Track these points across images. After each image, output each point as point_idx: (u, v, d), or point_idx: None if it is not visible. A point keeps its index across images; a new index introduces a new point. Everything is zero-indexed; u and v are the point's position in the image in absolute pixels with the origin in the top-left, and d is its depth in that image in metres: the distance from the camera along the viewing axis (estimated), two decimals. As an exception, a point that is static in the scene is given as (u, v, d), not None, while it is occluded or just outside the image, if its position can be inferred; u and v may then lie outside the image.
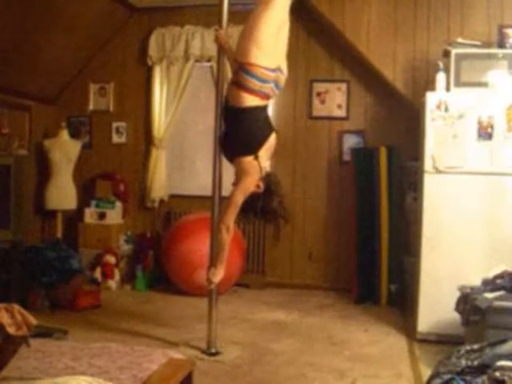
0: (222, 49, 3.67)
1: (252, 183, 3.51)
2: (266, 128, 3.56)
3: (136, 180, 6.03)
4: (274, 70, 3.41)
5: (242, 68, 3.38)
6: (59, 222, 5.87)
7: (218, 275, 3.64)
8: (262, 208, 3.69)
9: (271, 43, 3.38)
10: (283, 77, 3.53)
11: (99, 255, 5.50)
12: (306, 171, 5.71)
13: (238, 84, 3.41)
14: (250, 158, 3.46)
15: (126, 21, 6.02)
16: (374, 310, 4.90)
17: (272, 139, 3.56)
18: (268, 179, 3.64)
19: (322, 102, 5.66)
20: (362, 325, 4.41)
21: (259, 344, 3.90)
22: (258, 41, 3.33)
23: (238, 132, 3.51)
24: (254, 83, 3.37)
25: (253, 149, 3.47)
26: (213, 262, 3.68)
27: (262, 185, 3.58)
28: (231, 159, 3.61)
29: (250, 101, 3.41)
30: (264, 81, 3.39)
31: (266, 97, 3.49)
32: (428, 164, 3.99)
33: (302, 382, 3.25)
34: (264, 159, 3.52)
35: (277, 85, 3.51)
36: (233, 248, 4.38)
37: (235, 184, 3.56)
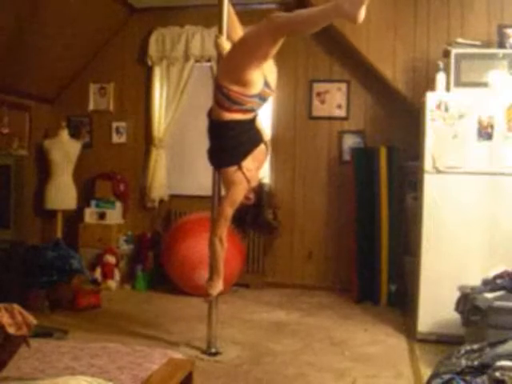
0: (221, 56, 3.64)
1: (239, 194, 3.42)
2: (251, 139, 3.44)
3: (136, 180, 6.03)
4: (256, 95, 3.26)
5: (220, 89, 3.26)
6: (59, 222, 5.87)
7: (216, 288, 3.65)
8: (252, 220, 3.64)
9: (258, 75, 3.20)
10: (270, 91, 3.36)
11: (99, 255, 5.51)
12: (306, 171, 5.71)
13: (217, 102, 3.32)
14: (233, 168, 3.38)
15: (125, 21, 6.02)
16: (373, 310, 4.90)
17: (260, 150, 3.47)
18: (260, 190, 3.57)
19: (322, 102, 5.66)
20: (361, 325, 4.41)
21: (259, 344, 3.90)
22: (241, 80, 3.17)
23: (220, 144, 3.43)
24: (231, 106, 3.26)
25: (236, 159, 3.38)
26: (210, 274, 3.68)
27: (252, 196, 3.52)
28: (217, 170, 3.59)
29: (231, 117, 3.31)
30: (243, 104, 3.27)
31: (249, 111, 3.36)
32: (428, 164, 3.99)
33: (302, 381, 3.25)
34: (252, 170, 3.43)
35: (262, 98, 3.34)
36: (232, 248, 4.38)
37: (224, 196, 3.52)
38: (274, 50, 3.11)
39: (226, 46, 3.57)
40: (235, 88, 3.20)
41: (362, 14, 2.65)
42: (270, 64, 3.36)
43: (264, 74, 3.24)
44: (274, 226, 3.75)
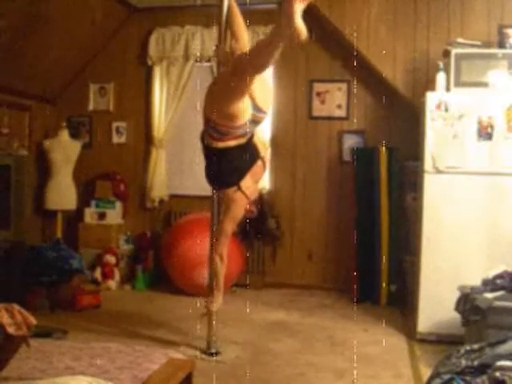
0: (221, 65, 3.63)
1: (239, 211, 3.43)
2: (248, 160, 3.41)
3: (136, 180, 6.03)
4: (244, 124, 3.20)
5: (207, 122, 3.27)
6: (59, 222, 5.87)
7: (216, 303, 3.65)
8: (256, 232, 3.64)
9: (244, 106, 3.14)
10: (262, 114, 3.30)
11: (99, 255, 5.51)
12: (306, 171, 5.71)
13: (207, 133, 3.32)
14: (233, 189, 3.38)
15: (125, 21, 6.02)
16: (373, 310, 4.90)
17: (257, 166, 3.46)
18: (261, 201, 3.57)
19: (322, 102, 5.66)
20: (361, 325, 4.41)
21: (259, 344, 3.90)
22: (226, 114, 3.14)
23: (216, 168, 3.41)
24: (221, 137, 3.25)
25: (234, 181, 3.38)
26: (210, 290, 3.67)
27: (254, 209, 3.52)
28: (216, 189, 3.59)
29: (224, 144, 3.28)
30: (233, 133, 3.24)
31: (242, 136, 3.31)
32: (428, 164, 3.99)
33: (302, 381, 3.25)
34: (250, 186, 3.42)
35: (254, 122, 3.29)
36: (233, 248, 4.38)
37: (223, 212, 3.50)
38: (250, 86, 3.07)
39: (227, 55, 3.55)
40: (222, 121, 3.18)
41: (300, 27, 2.53)
42: (262, 85, 3.30)
43: (254, 99, 3.18)
44: (278, 235, 3.72)
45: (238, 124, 3.18)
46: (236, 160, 3.35)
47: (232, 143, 3.28)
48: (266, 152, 3.62)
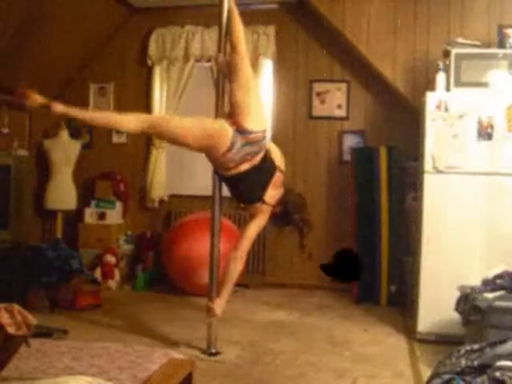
0: (221, 73, 3.63)
1: (265, 218, 3.59)
2: (266, 175, 3.49)
3: (136, 180, 6.03)
4: (229, 150, 3.27)
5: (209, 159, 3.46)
6: (59, 222, 5.87)
7: (222, 307, 3.67)
8: (283, 224, 3.84)
9: (206, 137, 3.31)
10: (254, 134, 3.31)
11: (99, 255, 5.51)
12: (306, 171, 5.71)
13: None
14: (258, 204, 3.51)
15: (126, 21, 6.02)
16: (373, 310, 4.90)
17: (276, 177, 3.54)
18: (286, 200, 3.64)
19: (322, 101, 5.66)
20: (361, 325, 4.41)
21: (259, 344, 3.90)
22: (200, 149, 3.37)
23: (237, 190, 3.55)
24: (228, 167, 3.37)
25: (258, 197, 3.49)
26: (218, 292, 3.67)
27: (277, 209, 3.61)
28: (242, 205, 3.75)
29: (238, 170, 3.38)
30: (232, 162, 3.32)
31: (253, 157, 3.37)
32: (428, 164, 3.99)
33: (302, 381, 3.25)
34: (274, 195, 3.54)
35: (253, 143, 3.32)
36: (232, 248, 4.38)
37: (249, 219, 3.63)
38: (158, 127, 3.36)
39: (227, 63, 3.55)
40: (209, 157, 3.38)
41: None
42: (257, 106, 3.39)
43: (238, 123, 3.25)
44: (303, 228, 3.88)
45: (221, 152, 3.26)
46: (255, 179, 3.44)
47: (244, 167, 3.36)
48: (281, 160, 3.67)
